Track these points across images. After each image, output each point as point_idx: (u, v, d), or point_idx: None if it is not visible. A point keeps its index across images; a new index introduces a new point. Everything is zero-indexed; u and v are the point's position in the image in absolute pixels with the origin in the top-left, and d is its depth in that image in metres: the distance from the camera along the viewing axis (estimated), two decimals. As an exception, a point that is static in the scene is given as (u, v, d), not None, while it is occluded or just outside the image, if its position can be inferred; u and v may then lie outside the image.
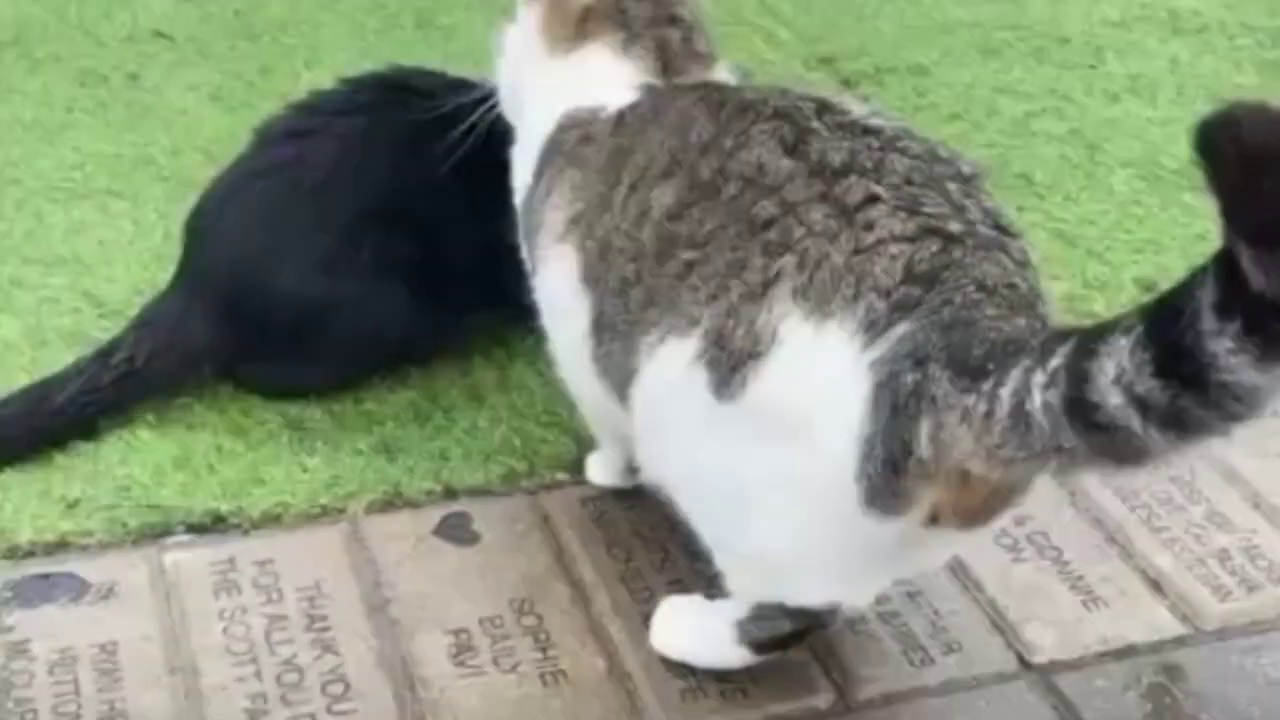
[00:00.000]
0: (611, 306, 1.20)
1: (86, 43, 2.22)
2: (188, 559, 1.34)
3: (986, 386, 0.97)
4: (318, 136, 1.53)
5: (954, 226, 1.06)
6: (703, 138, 1.17)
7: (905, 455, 1.02)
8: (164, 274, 1.59)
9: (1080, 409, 0.93)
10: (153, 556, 1.35)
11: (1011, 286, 1.05)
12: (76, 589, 1.31)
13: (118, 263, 1.73)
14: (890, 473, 1.03)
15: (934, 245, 1.05)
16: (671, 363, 1.13)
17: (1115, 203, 1.95)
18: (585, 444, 1.46)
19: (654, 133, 1.22)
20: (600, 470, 1.44)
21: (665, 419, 1.16)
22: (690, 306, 1.11)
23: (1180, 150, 2.07)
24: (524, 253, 1.35)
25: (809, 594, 1.17)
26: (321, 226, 1.49)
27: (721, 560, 1.19)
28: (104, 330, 1.57)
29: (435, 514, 1.41)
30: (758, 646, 1.21)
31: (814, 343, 1.05)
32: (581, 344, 1.24)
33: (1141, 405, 0.90)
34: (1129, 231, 1.90)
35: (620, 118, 1.27)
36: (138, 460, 1.44)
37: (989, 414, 0.97)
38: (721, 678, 1.25)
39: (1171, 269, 1.82)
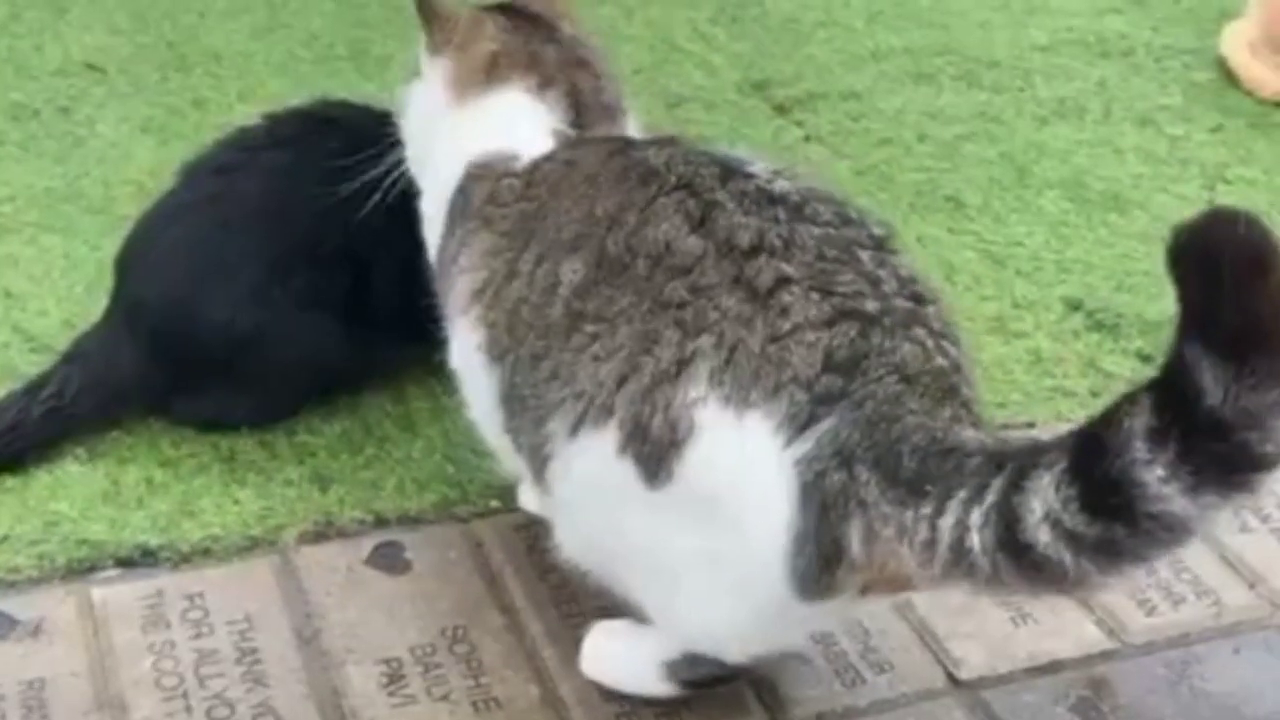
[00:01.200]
0: (521, 380, 1.17)
1: (17, 76, 2.20)
2: (116, 594, 1.33)
3: (926, 510, 0.97)
4: (244, 170, 1.53)
5: (870, 306, 1.05)
6: (608, 210, 1.15)
7: (837, 553, 1.02)
8: (96, 307, 1.58)
9: (1014, 548, 0.93)
10: (81, 591, 1.34)
11: (933, 371, 1.04)
12: (4, 626, 1.29)
13: (48, 296, 1.71)
14: (822, 567, 1.03)
15: (852, 330, 1.04)
16: (592, 454, 1.10)
17: (1044, 224, 1.98)
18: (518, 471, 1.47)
19: (562, 199, 1.20)
20: (532, 498, 1.44)
21: (591, 504, 1.14)
22: (598, 387, 1.08)
23: (1107, 172, 2.11)
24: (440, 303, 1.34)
25: (737, 655, 1.19)
26: (250, 259, 1.49)
27: (652, 617, 1.19)
28: (34, 365, 1.56)
29: (367, 543, 1.40)
30: (685, 684, 1.22)
31: (736, 434, 1.04)
32: (492, 413, 1.23)
33: (1071, 539, 0.91)
34: (1057, 252, 1.93)
35: (531, 176, 1.25)
36: (66, 494, 1.43)
37: (930, 542, 0.97)
38: (653, 703, 1.25)
39: (1097, 289, 1.85)
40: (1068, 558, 0.92)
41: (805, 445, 1.02)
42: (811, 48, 2.44)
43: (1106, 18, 2.54)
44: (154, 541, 1.38)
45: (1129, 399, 0.90)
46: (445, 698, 1.25)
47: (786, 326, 1.04)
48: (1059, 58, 2.42)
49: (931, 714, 1.27)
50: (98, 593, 1.34)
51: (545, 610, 1.34)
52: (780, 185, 1.13)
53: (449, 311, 1.28)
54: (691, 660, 1.20)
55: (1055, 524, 0.91)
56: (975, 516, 0.95)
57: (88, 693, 1.24)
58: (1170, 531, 0.89)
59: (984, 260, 1.90)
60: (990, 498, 0.94)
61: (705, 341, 1.05)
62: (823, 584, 1.04)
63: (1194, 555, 1.45)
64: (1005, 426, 1.61)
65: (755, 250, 1.07)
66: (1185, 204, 2.02)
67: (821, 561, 1.03)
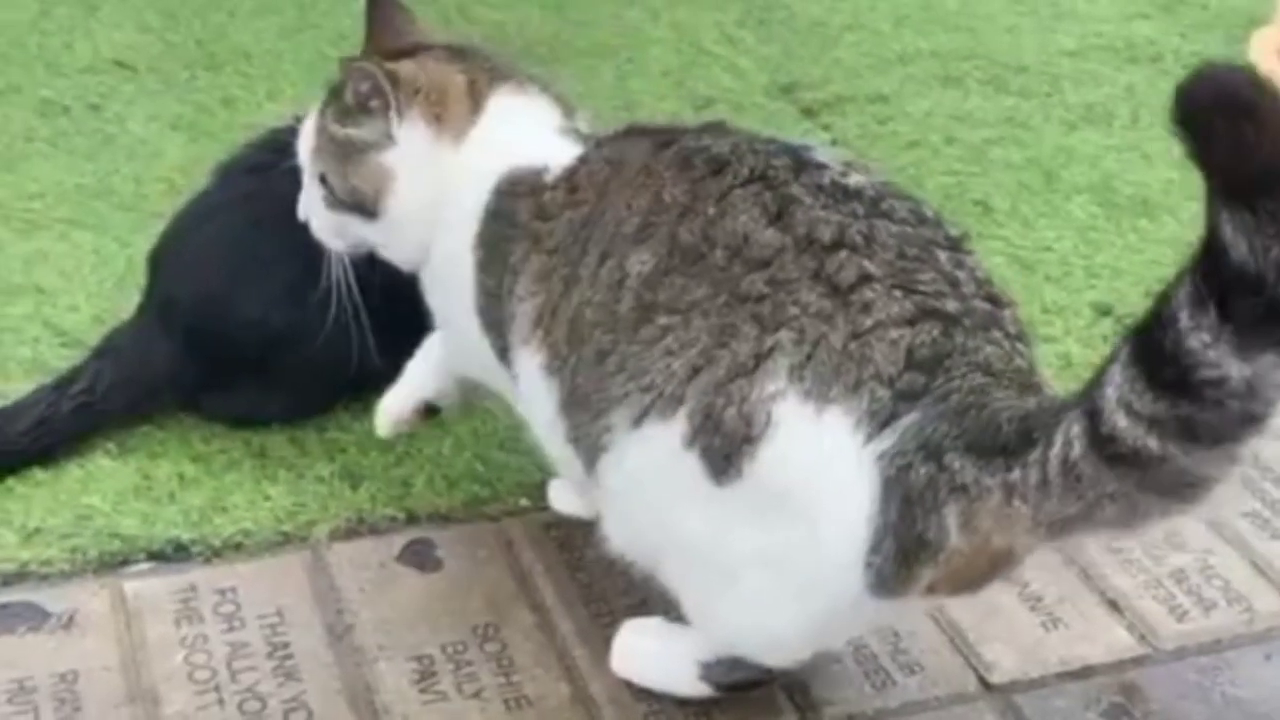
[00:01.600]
0: (584, 379, 1.15)
1: (47, 73, 2.22)
2: (149, 587, 1.34)
3: (1035, 454, 0.96)
4: (278, 170, 1.53)
5: (951, 306, 1.04)
6: (678, 198, 1.13)
7: (920, 546, 1.02)
8: (126, 303, 1.59)
9: (1103, 444, 0.92)
10: (113, 585, 1.34)
11: (1014, 370, 1.04)
12: (36, 618, 1.30)
13: (79, 292, 1.72)
14: (900, 562, 1.03)
15: (934, 329, 1.03)
16: (656, 445, 1.09)
17: (1072, 229, 1.98)
18: (548, 470, 1.46)
19: (617, 196, 1.17)
20: (563, 497, 1.44)
21: (647, 497, 1.13)
22: (668, 379, 1.08)
23: (1135, 177, 2.10)
24: (490, 343, 1.29)
25: (782, 660, 1.19)
26: (283, 258, 1.49)
27: (695, 619, 1.19)
28: (64, 359, 1.57)
29: (398, 541, 1.41)
30: (719, 686, 1.22)
31: (814, 429, 1.03)
32: (554, 424, 1.21)
33: (1148, 423, 0.90)
34: (1086, 257, 1.92)
35: (572, 182, 1.22)
36: (98, 488, 1.44)
37: (1043, 480, 0.96)
38: (685, 702, 1.25)
39: (1127, 294, 1.85)
40: (1153, 443, 0.90)
41: (887, 441, 1.01)
42: (839, 51, 2.44)
43: (1135, 23, 2.54)
44: (186, 536, 1.39)
45: (1178, 273, 0.88)
46: (476, 695, 1.25)
47: (868, 323, 1.03)
48: (1087, 63, 2.42)
49: (963, 717, 1.27)
50: (130, 586, 1.34)
51: (575, 609, 1.34)
52: (855, 179, 1.12)
53: (511, 341, 1.24)
54: (729, 663, 1.20)
55: (1129, 409, 0.90)
56: (1075, 429, 0.94)
57: (120, 686, 1.24)
58: (1238, 399, 0.87)
59: (1013, 265, 1.90)
60: (1081, 407, 0.94)
61: (785, 336, 1.04)
62: (899, 579, 1.04)
63: (1225, 561, 1.45)
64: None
65: (836, 245, 1.06)
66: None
67: (900, 556, 1.02)
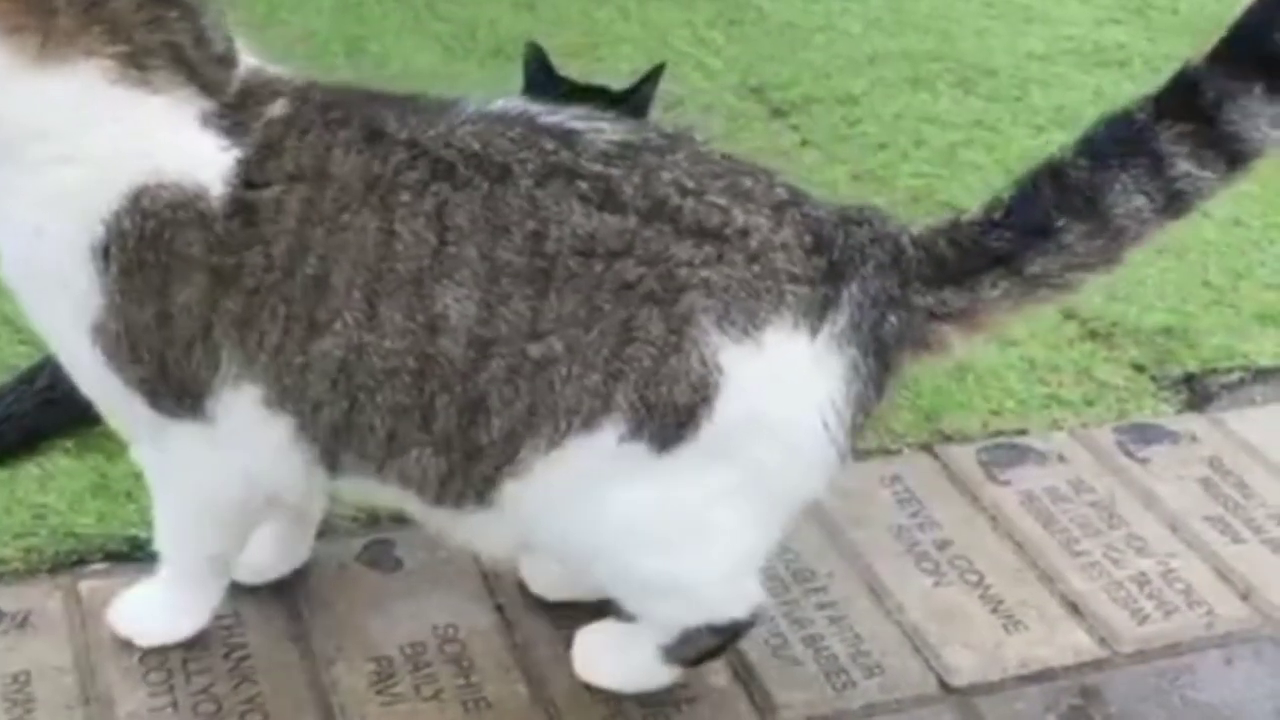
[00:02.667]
0: (414, 427, 1.06)
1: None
2: (105, 587, 1.32)
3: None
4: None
5: (785, 195, 1.10)
6: (473, 220, 1.04)
7: (896, 380, 1.12)
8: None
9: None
10: (69, 585, 1.33)
11: (868, 212, 1.14)
12: (-10, 618, 1.29)
13: (39, 288, 1.70)
14: (871, 411, 1.11)
15: (795, 214, 1.08)
16: (581, 457, 1.07)
17: (1039, 231, 1.98)
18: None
19: (345, 216, 1.03)
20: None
21: (577, 504, 1.10)
22: (583, 399, 1.05)
23: (1102, 180, 2.11)
24: (121, 376, 1.10)
25: (743, 602, 1.18)
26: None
27: (654, 606, 1.18)
28: (23, 357, 1.55)
29: (358, 541, 1.40)
30: (685, 662, 1.22)
31: (761, 356, 1.06)
32: (278, 458, 1.10)
33: None
34: (1052, 260, 1.92)
35: (255, 209, 1.04)
36: (55, 487, 1.42)
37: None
38: (645, 703, 1.24)
39: (1091, 297, 1.84)
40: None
41: (840, 320, 1.07)
42: (809, 52, 2.43)
43: (1104, 27, 2.54)
44: (143, 535, 1.37)
45: None
46: (435, 696, 1.24)
47: (754, 244, 1.06)
48: (1056, 66, 2.42)
49: (923, 719, 1.27)
50: (86, 586, 1.33)
51: (536, 610, 1.33)
52: (616, 132, 1.09)
53: (196, 376, 1.08)
54: (688, 637, 1.20)
55: None
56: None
57: (73, 686, 1.23)
58: None
59: (979, 267, 1.90)
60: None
61: (693, 297, 1.05)
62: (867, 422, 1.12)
63: (1186, 565, 1.45)
64: (999, 433, 1.61)
65: (673, 198, 1.06)
66: (1180, 214, 2.01)
67: (872, 406, 1.10)
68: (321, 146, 1.06)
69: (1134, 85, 2.35)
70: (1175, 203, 1.07)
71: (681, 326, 1.05)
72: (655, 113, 2.20)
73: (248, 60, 1.12)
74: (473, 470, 1.09)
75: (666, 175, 1.07)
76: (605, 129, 1.09)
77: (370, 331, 1.05)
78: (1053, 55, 2.45)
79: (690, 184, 1.07)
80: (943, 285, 1.10)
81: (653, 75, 1.72)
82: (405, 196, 1.05)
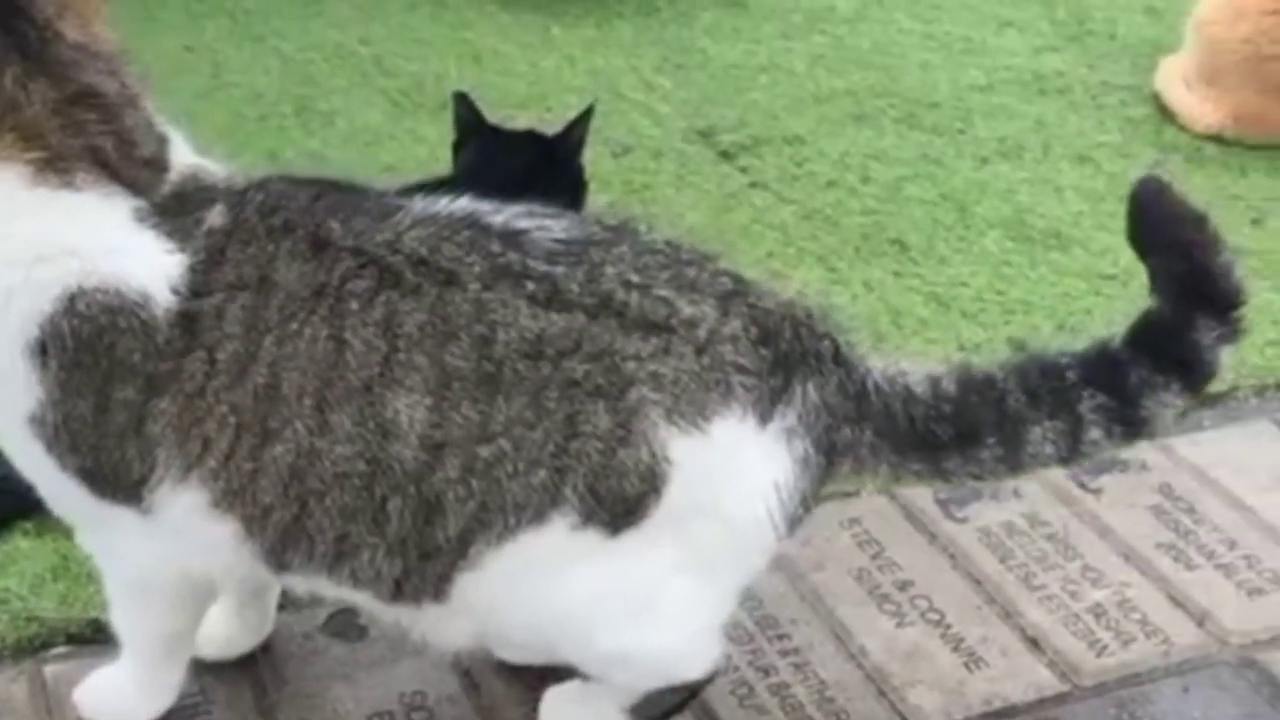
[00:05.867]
0: (368, 528, 1.07)
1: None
2: (69, 671, 1.32)
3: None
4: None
5: (727, 285, 1.12)
6: (421, 327, 1.05)
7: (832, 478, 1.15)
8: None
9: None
10: (33, 670, 1.32)
11: (808, 315, 1.16)
12: (-46, 708, 1.28)
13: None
14: (812, 500, 1.14)
15: (742, 307, 1.10)
16: (534, 546, 1.08)
17: (987, 264, 2.01)
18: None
19: (292, 324, 1.04)
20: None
21: (528, 589, 1.11)
22: (531, 495, 1.06)
23: (1047, 210, 2.14)
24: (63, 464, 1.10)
25: (702, 665, 1.20)
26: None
27: (614, 675, 1.19)
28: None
29: (321, 612, 1.40)
30: (649, 719, 1.23)
31: (710, 447, 1.07)
32: (224, 552, 1.11)
33: None
34: (1000, 292, 1.95)
35: (195, 319, 1.05)
36: (16, 570, 1.42)
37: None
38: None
39: (1041, 328, 1.88)
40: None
41: (790, 416, 1.10)
42: (755, 93, 2.46)
43: (1044, 56, 2.58)
44: (105, 617, 1.37)
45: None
46: (403, 765, 1.25)
47: (702, 335, 1.08)
48: (998, 97, 2.46)
49: (888, 764, 1.28)
50: (50, 670, 1.32)
51: (501, 674, 1.34)
52: (567, 230, 1.11)
53: (137, 472, 1.08)
54: (650, 697, 1.21)
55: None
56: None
57: (42, 773, 1.23)
58: None
59: (929, 303, 1.93)
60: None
61: (641, 391, 1.06)
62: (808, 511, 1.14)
63: (1141, 594, 1.47)
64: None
65: (618, 294, 1.08)
66: (1123, 240, 2.03)
67: (814, 496, 1.14)
68: (265, 256, 1.06)
69: (1076, 114, 2.41)
70: (1074, 457, 1.17)
71: (629, 420, 1.06)
72: (606, 161, 2.24)
73: (184, 159, 1.12)
74: (427, 569, 1.09)
75: (611, 270, 1.08)
76: (551, 226, 1.11)
77: (321, 438, 1.06)
78: (994, 86, 2.49)
79: (635, 278, 1.08)
80: (886, 439, 1.14)
81: (583, 118, 1.74)
82: (354, 305, 1.06)
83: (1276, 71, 2.24)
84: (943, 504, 1.58)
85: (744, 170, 2.25)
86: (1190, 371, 1.15)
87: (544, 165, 1.71)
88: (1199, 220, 1.16)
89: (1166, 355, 1.15)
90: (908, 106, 2.42)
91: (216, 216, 1.07)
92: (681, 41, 2.62)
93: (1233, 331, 1.14)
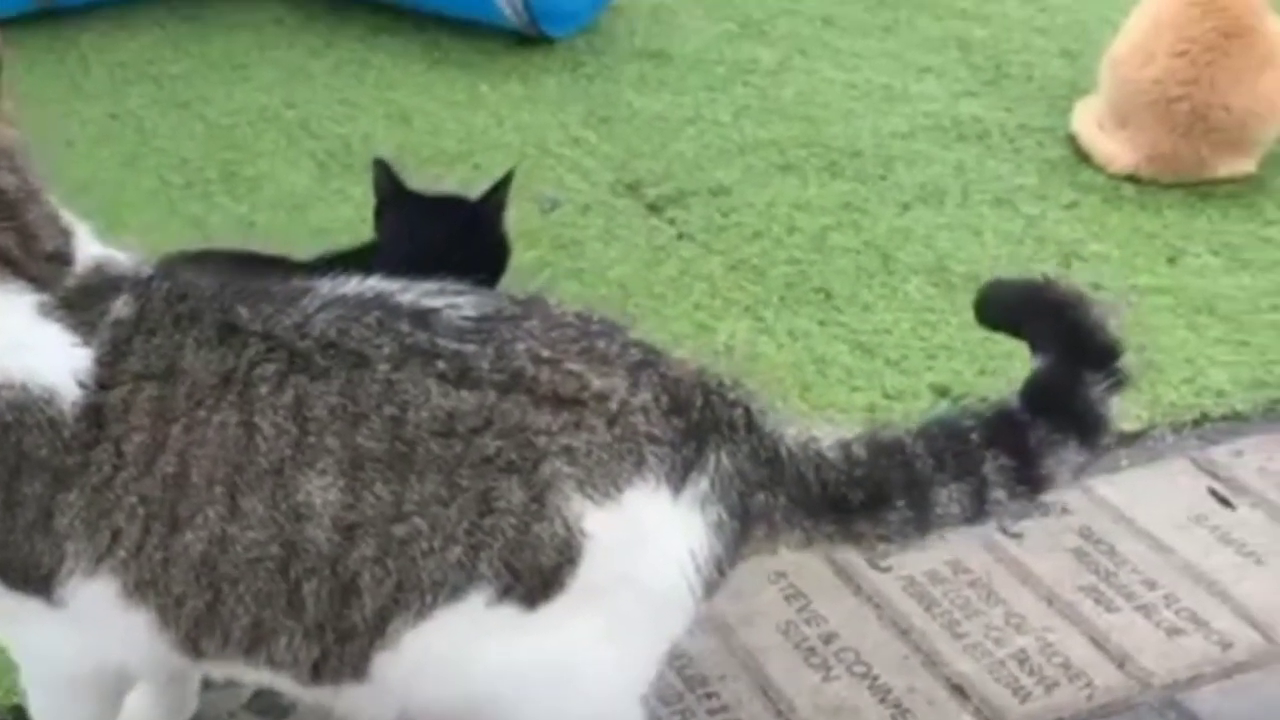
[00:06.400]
0: (284, 612, 1.07)
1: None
2: (-7, 759, 1.31)
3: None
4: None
5: (638, 355, 1.13)
6: (331, 410, 1.05)
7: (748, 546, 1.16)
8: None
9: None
10: (-45, 760, 1.32)
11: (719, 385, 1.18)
12: (-126, 803, 1.27)
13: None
14: (728, 567, 1.15)
15: (654, 377, 1.12)
16: (451, 623, 1.08)
17: (910, 310, 2.04)
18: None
19: (201, 413, 1.05)
20: None
21: (447, 666, 1.11)
22: (448, 573, 1.07)
23: (967, 254, 2.17)
24: None
25: None
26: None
27: None
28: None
29: (245, 690, 1.39)
30: None
31: (624, 517, 1.08)
32: (139, 647, 1.11)
33: None
34: (923, 339, 1.98)
35: (101, 413, 1.05)
36: (-62, 658, 1.41)
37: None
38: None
39: (963, 373, 1.90)
40: None
41: (703, 484, 1.11)
42: (680, 145, 2.49)
43: (962, 101, 2.63)
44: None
45: None
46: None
47: (613, 407, 1.09)
48: (918, 143, 2.49)
49: (816, 821, 1.29)
50: (-28, 760, 1.32)
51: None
52: (472, 306, 1.12)
53: (42, 565, 1.08)
54: None
55: None
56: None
57: None
58: None
59: (854, 351, 1.95)
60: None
61: (554, 465, 1.07)
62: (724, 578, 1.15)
63: (1063, 639, 1.49)
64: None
65: (528, 370, 1.09)
66: (1043, 283, 2.08)
67: (729, 562, 1.14)
68: (171, 345, 1.07)
69: (995, 158, 2.45)
70: (980, 517, 1.19)
71: (543, 494, 1.07)
72: (534, 217, 2.25)
73: (90, 250, 1.12)
74: (345, 650, 1.10)
75: (521, 346, 1.10)
76: (461, 304, 1.12)
77: (234, 524, 1.06)
78: (914, 133, 2.52)
79: (545, 352, 1.10)
80: (799, 504, 1.16)
81: (503, 182, 1.75)
82: (263, 390, 1.07)
83: (1186, 112, 2.29)
84: (867, 554, 1.59)
85: (671, 222, 2.27)
86: (1086, 427, 1.17)
87: (466, 231, 1.72)
88: (1051, 285, 1.20)
89: (1061, 413, 1.17)
90: (831, 155, 2.45)
91: (122, 307, 1.08)
92: (607, 95, 2.65)
93: (1118, 382, 1.16)
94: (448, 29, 2.84)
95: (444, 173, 2.38)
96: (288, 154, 2.39)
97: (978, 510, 1.18)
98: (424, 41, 2.82)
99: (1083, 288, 1.20)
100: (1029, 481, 1.17)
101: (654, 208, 2.31)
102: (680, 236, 2.23)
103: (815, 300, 2.07)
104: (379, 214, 1.78)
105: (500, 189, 1.76)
